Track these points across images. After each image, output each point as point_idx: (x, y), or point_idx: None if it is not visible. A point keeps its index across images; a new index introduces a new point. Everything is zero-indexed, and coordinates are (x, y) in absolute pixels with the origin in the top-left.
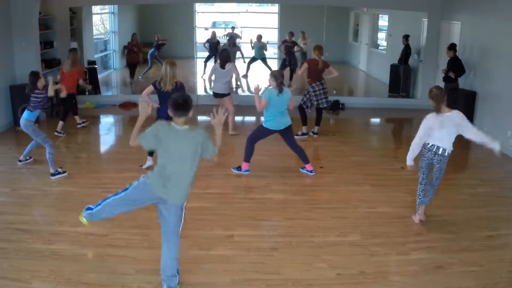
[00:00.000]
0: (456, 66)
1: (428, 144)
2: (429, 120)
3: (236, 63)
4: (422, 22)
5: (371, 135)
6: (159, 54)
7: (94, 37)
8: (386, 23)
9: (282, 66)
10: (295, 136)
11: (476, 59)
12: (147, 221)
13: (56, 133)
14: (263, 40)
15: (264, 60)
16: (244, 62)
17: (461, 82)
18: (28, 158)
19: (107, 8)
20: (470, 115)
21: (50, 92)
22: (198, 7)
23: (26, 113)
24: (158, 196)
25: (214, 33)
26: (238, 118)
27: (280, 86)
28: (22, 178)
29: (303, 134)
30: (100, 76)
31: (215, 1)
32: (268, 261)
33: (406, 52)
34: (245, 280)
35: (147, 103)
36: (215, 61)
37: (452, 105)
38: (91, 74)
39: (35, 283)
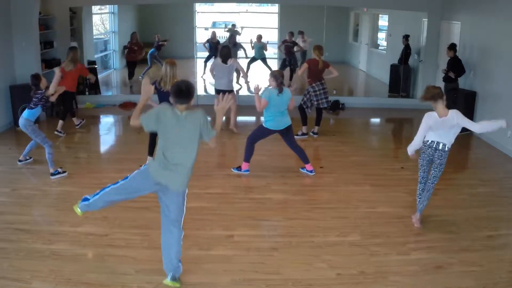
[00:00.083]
0: (456, 66)
1: (428, 140)
2: (429, 120)
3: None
4: (422, 22)
5: (371, 135)
6: (159, 54)
7: (94, 37)
8: (386, 23)
9: (282, 66)
10: (295, 136)
11: (476, 59)
12: (147, 221)
13: (56, 132)
14: (263, 40)
15: (264, 60)
16: (247, 57)
17: (461, 82)
18: (28, 158)
19: (107, 8)
20: (470, 115)
21: (51, 90)
22: (198, 7)
23: (26, 112)
24: (158, 182)
25: (214, 33)
26: (238, 119)
27: (280, 86)
28: (22, 178)
29: (303, 134)
30: (100, 76)
31: (215, 1)
32: (268, 261)
33: (406, 52)
34: (245, 280)
35: (150, 84)
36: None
37: (452, 105)
38: (91, 74)
39: (35, 283)
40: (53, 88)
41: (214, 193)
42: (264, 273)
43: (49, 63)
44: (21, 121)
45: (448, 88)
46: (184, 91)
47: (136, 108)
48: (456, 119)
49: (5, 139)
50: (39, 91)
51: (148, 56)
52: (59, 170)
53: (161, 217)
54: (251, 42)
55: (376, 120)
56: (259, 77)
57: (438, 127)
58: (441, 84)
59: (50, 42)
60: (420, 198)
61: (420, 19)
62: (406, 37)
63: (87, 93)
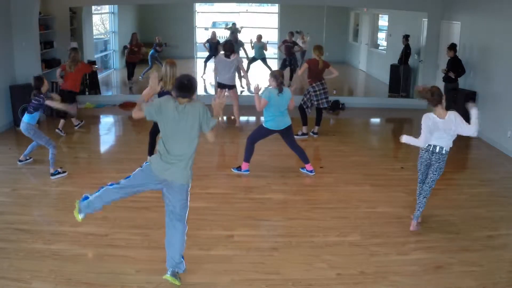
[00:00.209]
0: (456, 66)
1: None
2: (428, 121)
3: None
4: (422, 22)
5: (371, 135)
6: (159, 54)
7: (94, 37)
8: (386, 23)
9: (282, 66)
10: (295, 136)
11: (476, 59)
12: (147, 221)
13: (57, 130)
14: (263, 40)
15: (264, 60)
16: (248, 57)
17: (461, 82)
18: (28, 158)
19: (107, 8)
20: (470, 115)
21: (57, 104)
22: (198, 7)
23: (26, 117)
24: (160, 178)
25: (214, 33)
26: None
27: (280, 86)
28: (22, 178)
29: (303, 134)
30: (100, 76)
31: (215, 1)
32: (268, 261)
33: (406, 52)
34: (245, 280)
35: (157, 78)
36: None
37: (452, 105)
38: (91, 74)
39: (35, 283)
40: (59, 106)
41: (214, 193)
42: (264, 273)
43: (49, 63)
44: (22, 125)
45: (448, 88)
46: (186, 85)
47: (139, 99)
48: (455, 122)
49: (5, 139)
50: (40, 96)
51: (149, 57)
52: (59, 170)
53: (165, 213)
54: (251, 42)
55: (376, 120)
56: (259, 77)
57: (436, 129)
58: (441, 84)
59: (50, 42)
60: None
61: (420, 19)
62: (406, 37)
63: (87, 93)
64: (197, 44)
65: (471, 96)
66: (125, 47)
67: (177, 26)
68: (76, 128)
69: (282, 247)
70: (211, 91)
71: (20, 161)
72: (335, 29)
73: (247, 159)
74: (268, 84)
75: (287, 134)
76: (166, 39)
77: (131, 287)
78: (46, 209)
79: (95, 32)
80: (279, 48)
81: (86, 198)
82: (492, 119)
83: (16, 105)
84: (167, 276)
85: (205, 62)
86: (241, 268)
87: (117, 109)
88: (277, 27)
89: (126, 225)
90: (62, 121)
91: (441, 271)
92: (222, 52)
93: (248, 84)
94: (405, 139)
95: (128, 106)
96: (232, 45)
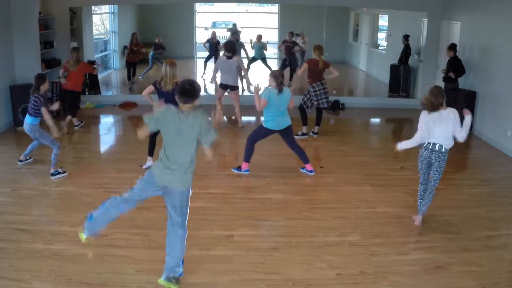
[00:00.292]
0: (456, 66)
1: (424, 143)
2: (427, 118)
3: None
4: (422, 22)
5: (371, 135)
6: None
7: (94, 37)
8: (386, 23)
9: (282, 66)
10: (295, 136)
11: (476, 59)
12: (147, 221)
13: (76, 128)
14: (263, 40)
15: (264, 60)
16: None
17: (461, 82)
18: (28, 158)
19: (107, 8)
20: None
21: (48, 120)
22: (198, 7)
23: (29, 118)
24: (159, 181)
25: (214, 33)
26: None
27: (280, 86)
28: (22, 178)
29: (303, 134)
30: (100, 76)
31: (215, 1)
32: (268, 261)
33: (406, 52)
34: (245, 280)
35: (160, 104)
36: (215, 61)
37: (452, 105)
38: (91, 74)
39: (35, 283)
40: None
41: (214, 193)
42: (264, 273)
43: (49, 63)
44: (26, 127)
45: (448, 88)
46: (188, 90)
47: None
48: (453, 116)
49: (5, 139)
50: (37, 96)
51: (149, 57)
52: (59, 170)
53: (167, 218)
54: (251, 42)
55: (376, 120)
56: (259, 77)
57: (436, 124)
58: (441, 84)
59: (50, 42)
60: (421, 199)
61: (420, 19)
62: (406, 37)
63: (87, 93)
64: (197, 44)
65: (471, 96)
66: (125, 47)
67: (177, 26)
68: (76, 128)
69: (282, 247)
70: (211, 91)
71: (20, 161)
72: (335, 29)
73: (247, 159)
74: (268, 84)
75: (287, 134)
76: (166, 39)
77: (131, 287)
78: (46, 209)
79: (95, 32)
80: (279, 48)
81: (91, 217)
82: (492, 119)
83: (16, 105)
84: (161, 280)
85: (205, 62)
86: (241, 268)
87: (117, 109)
88: (277, 27)
89: (126, 225)
90: (69, 117)
91: (441, 271)
92: (223, 53)
93: (248, 84)
94: (400, 146)
95: (128, 106)
96: (233, 45)
